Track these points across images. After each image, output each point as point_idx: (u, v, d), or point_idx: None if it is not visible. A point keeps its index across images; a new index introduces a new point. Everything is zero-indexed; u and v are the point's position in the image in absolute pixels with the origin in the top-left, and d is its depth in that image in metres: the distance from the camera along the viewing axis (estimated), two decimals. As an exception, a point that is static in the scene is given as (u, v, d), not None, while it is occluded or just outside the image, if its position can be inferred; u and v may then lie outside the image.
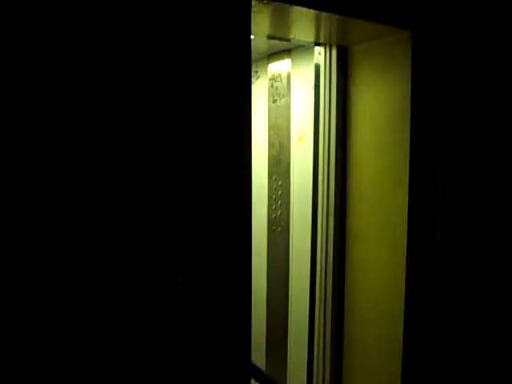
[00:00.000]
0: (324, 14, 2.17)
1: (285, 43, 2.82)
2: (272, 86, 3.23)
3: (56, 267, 1.61)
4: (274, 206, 3.22)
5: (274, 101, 3.21)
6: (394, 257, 2.42)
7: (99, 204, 1.67)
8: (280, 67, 3.14)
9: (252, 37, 2.37)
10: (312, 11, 2.11)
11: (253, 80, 3.40)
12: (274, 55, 3.18)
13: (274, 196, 3.23)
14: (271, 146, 3.24)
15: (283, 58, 3.10)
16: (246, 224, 1.96)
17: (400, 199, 2.37)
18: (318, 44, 2.71)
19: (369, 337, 2.61)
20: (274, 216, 3.23)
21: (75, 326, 1.65)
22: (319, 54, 2.73)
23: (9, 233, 1.54)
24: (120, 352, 1.73)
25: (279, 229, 3.17)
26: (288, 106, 3.08)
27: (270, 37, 2.58)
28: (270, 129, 3.26)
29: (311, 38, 2.62)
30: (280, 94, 3.15)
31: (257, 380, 3.22)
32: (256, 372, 3.28)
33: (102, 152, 1.67)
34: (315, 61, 2.76)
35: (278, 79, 3.16)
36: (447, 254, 2.50)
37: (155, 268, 1.77)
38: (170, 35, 1.76)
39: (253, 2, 1.93)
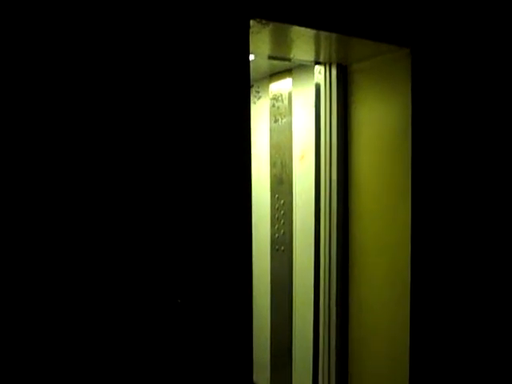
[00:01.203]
0: (323, 34, 2.18)
1: (285, 63, 2.84)
2: (273, 105, 3.23)
3: (54, 285, 1.60)
4: (276, 226, 3.21)
5: (276, 120, 3.22)
6: (398, 274, 2.40)
7: (98, 220, 1.66)
8: (281, 87, 3.15)
9: (252, 57, 2.39)
10: (311, 31, 2.12)
11: (254, 100, 3.41)
12: (275, 75, 3.19)
13: (276, 215, 3.22)
14: (273, 165, 3.24)
15: (284, 78, 3.11)
16: (246, 244, 1.94)
17: (403, 216, 2.35)
18: (318, 63, 2.72)
19: (374, 357, 2.57)
20: (277, 235, 3.21)
21: (76, 345, 1.63)
22: (319, 73, 2.74)
23: (8, 234, 1.54)
24: (118, 373, 1.70)
25: (282, 248, 3.15)
26: (289, 126, 3.09)
27: (270, 57, 2.59)
28: (271, 148, 3.26)
29: (311, 58, 2.63)
30: (281, 113, 3.16)
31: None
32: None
33: (104, 175, 1.67)
34: (315, 80, 2.77)
35: (280, 99, 3.17)
36: (451, 268, 2.49)
37: (155, 288, 1.76)
38: (169, 58, 1.77)
39: (251, 23, 1.94)
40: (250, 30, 1.93)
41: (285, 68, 3.04)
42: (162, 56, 1.75)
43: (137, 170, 1.72)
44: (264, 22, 1.96)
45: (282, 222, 3.16)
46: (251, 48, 1.97)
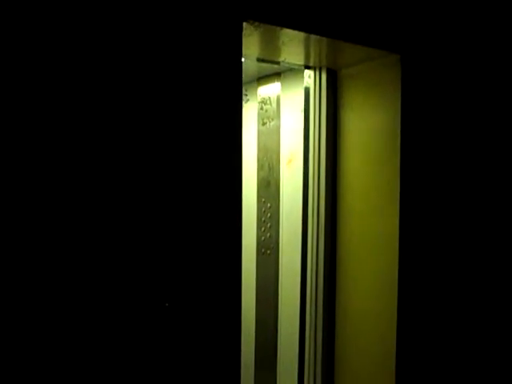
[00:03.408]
0: (314, 37, 2.19)
1: (275, 66, 2.84)
2: (262, 108, 3.23)
3: (41, 287, 1.58)
4: (263, 229, 3.20)
5: (264, 123, 3.21)
6: (386, 276, 2.41)
7: (85, 222, 1.64)
8: (270, 90, 3.15)
9: (242, 60, 2.39)
10: (302, 34, 2.13)
11: (242, 103, 3.40)
12: (263, 78, 3.19)
13: (263, 218, 3.21)
14: (260, 168, 3.23)
15: (273, 82, 3.11)
16: (235, 248, 1.94)
17: (391, 219, 2.37)
18: (307, 67, 2.73)
19: (360, 358, 2.58)
20: (263, 238, 3.20)
21: (61, 348, 1.61)
22: (309, 77, 2.75)
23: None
24: (104, 376, 1.68)
25: (268, 251, 3.15)
26: (278, 129, 3.08)
27: (259, 60, 2.59)
28: (259, 151, 3.26)
29: (301, 61, 2.64)
30: (270, 116, 3.16)
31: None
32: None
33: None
34: (305, 84, 2.78)
35: (268, 102, 3.17)
36: (439, 271, 2.51)
37: (142, 291, 1.74)
38: (163, 60, 1.76)
39: (244, 25, 1.94)
40: (243, 33, 1.93)
41: (274, 71, 3.04)
42: (155, 58, 1.74)
43: (126, 172, 1.70)
44: (256, 24, 1.97)
45: (269, 225, 3.15)
46: (242, 50, 1.98)
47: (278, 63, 2.65)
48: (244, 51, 2.02)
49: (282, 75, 3.03)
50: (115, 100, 1.67)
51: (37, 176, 1.56)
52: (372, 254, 2.51)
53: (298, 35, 2.15)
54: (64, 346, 1.61)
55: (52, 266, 1.58)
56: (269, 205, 3.16)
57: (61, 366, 1.60)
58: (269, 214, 3.16)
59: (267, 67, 2.88)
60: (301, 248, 2.81)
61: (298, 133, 2.86)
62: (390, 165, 2.38)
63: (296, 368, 2.84)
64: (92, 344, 1.65)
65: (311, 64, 2.68)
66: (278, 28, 2.04)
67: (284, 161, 3.04)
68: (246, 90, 3.38)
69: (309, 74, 2.75)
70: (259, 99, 3.24)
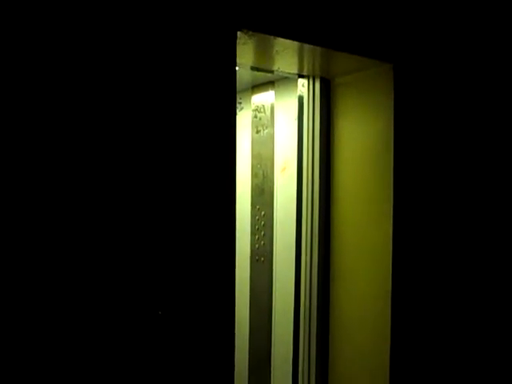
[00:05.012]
0: (307, 46, 2.21)
1: (268, 75, 2.85)
2: (255, 116, 3.25)
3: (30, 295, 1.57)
4: (257, 236, 3.21)
5: (258, 131, 3.23)
6: (380, 285, 2.42)
7: (76, 228, 1.64)
8: (264, 98, 3.17)
9: (236, 68, 2.41)
10: (296, 43, 2.15)
11: (236, 111, 3.41)
12: (257, 87, 3.21)
13: (257, 226, 3.22)
14: (254, 175, 3.24)
15: (267, 90, 3.13)
16: (229, 255, 1.94)
17: (384, 227, 2.38)
18: (301, 76, 2.75)
19: (354, 365, 2.58)
20: (257, 246, 3.21)
21: (53, 354, 1.61)
22: (303, 86, 2.77)
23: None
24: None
25: (262, 259, 3.15)
26: (271, 137, 3.10)
27: (253, 68, 2.61)
28: (253, 159, 3.27)
29: (295, 70, 2.66)
30: (263, 124, 3.17)
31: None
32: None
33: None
34: (299, 93, 2.80)
35: (262, 110, 3.19)
36: (432, 279, 2.52)
37: (135, 299, 1.74)
38: (156, 67, 1.77)
39: (238, 34, 1.95)
40: (237, 41, 1.95)
41: (268, 80, 3.06)
42: (149, 66, 1.75)
43: (120, 178, 1.71)
44: (250, 33, 1.98)
45: (263, 232, 3.16)
46: (236, 59, 1.99)
47: (271, 72, 2.67)
48: (238, 60, 2.04)
49: (276, 84, 3.05)
50: (110, 103, 1.68)
51: (25, 178, 1.56)
52: (366, 262, 2.52)
53: (292, 44, 2.16)
54: (56, 351, 1.60)
55: (42, 271, 1.58)
56: (263, 212, 3.17)
57: (54, 372, 1.60)
58: (263, 222, 3.17)
59: (261, 76, 2.90)
60: (295, 255, 2.82)
61: (292, 141, 2.87)
62: (384, 173, 2.40)
63: (290, 375, 2.84)
64: (82, 354, 1.65)
65: (305, 73, 2.70)
66: (272, 37, 2.06)
67: (278, 168, 3.05)
68: (240, 98, 3.40)
69: (302, 83, 2.77)
70: (253, 107, 3.26)
